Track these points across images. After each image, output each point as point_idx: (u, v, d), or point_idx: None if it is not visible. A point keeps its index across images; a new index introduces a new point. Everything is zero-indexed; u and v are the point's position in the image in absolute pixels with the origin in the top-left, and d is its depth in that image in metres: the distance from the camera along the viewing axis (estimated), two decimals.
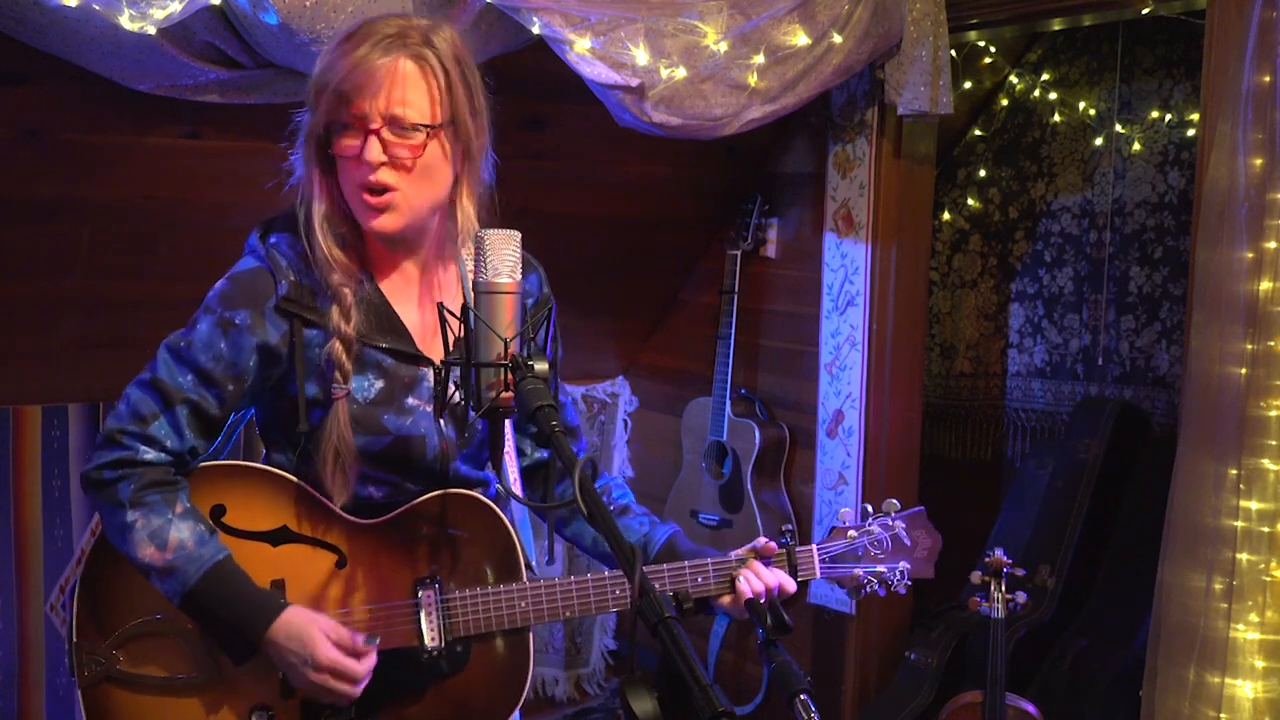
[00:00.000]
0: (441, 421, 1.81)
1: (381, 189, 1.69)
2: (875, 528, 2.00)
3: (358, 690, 1.73)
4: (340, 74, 1.66)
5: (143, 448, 1.72)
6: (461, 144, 1.74)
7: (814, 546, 1.96)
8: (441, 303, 1.64)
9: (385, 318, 1.78)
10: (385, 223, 1.71)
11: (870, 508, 2.03)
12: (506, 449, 1.89)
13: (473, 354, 1.55)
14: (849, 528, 2.00)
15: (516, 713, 1.85)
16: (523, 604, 1.79)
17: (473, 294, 1.57)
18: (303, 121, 1.75)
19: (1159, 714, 2.57)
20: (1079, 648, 3.35)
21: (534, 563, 1.88)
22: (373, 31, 1.69)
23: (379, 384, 1.77)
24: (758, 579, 1.85)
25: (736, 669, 3.81)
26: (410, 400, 1.79)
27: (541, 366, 1.51)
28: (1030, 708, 2.87)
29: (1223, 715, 2.45)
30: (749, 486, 3.54)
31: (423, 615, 1.78)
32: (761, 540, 1.91)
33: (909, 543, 2.01)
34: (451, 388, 1.66)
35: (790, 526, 1.98)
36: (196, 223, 2.77)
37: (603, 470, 2.09)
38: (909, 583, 2.01)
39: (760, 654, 1.61)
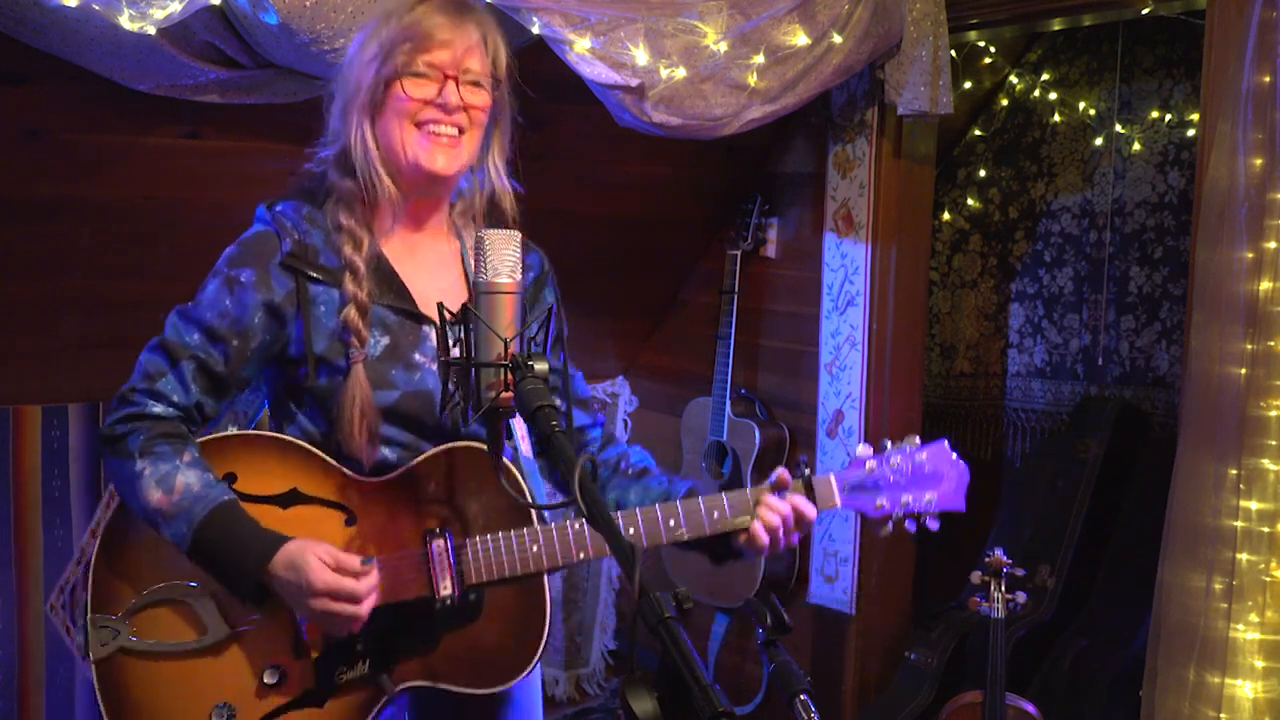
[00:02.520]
0: (450, 384, 1.82)
1: (455, 129, 1.81)
2: (896, 457, 1.89)
3: (362, 610, 1.72)
4: (419, 27, 1.78)
5: (150, 402, 1.77)
6: (503, 108, 1.89)
7: (832, 475, 1.89)
8: (441, 303, 1.65)
9: (388, 277, 1.85)
10: (444, 163, 1.81)
11: (889, 441, 1.93)
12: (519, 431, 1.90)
13: (473, 354, 1.55)
14: (868, 458, 1.90)
15: (539, 664, 1.83)
16: (534, 548, 1.78)
17: (473, 288, 1.58)
18: (339, 84, 1.86)
19: (1159, 714, 2.57)
20: (1079, 648, 3.35)
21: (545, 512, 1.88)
22: None
23: (384, 340, 1.83)
24: (772, 510, 1.83)
25: (736, 669, 3.81)
26: (416, 356, 1.84)
27: (541, 366, 1.51)
28: (1030, 708, 2.87)
29: (1223, 715, 2.45)
30: (749, 486, 3.54)
31: (435, 565, 1.78)
32: (777, 471, 1.87)
33: (933, 472, 1.89)
34: (451, 387, 1.66)
35: (805, 458, 1.92)
36: (196, 223, 2.77)
37: (620, 438, 2.07)
38: (939, 518, 1.89)
39: (760, 654, 1.59)
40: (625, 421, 4.17)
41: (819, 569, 3.49)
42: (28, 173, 2.50)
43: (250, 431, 1.89)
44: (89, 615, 1.81)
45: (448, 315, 1.63)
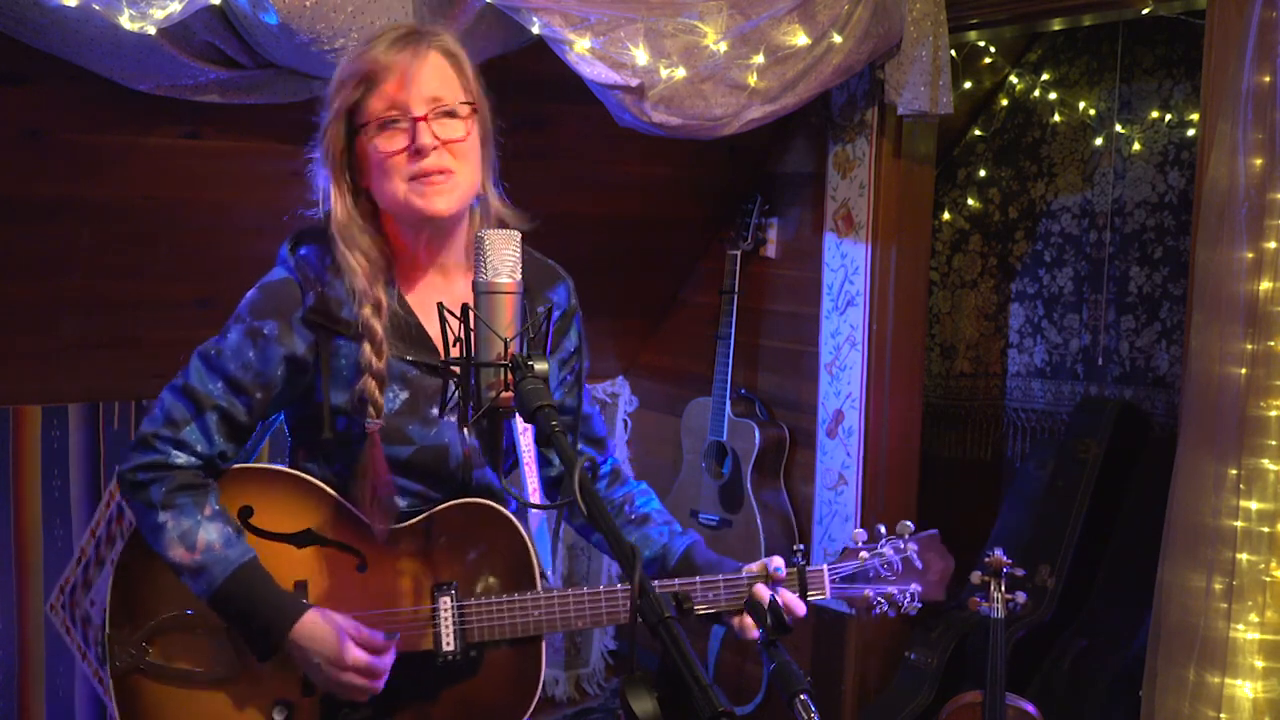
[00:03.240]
0: (466, 431, 1.83)
1: (440, 171, 1.73)
2: (887, 549, 1.98)
3: (379, 686, 1.76)
4: (372, 72, 1.71)
5: (174, 452, 1.77)
6: (483, 128, 1.80)
7: (825, 567, 1.95)
8: (441, 303, 1.64)
9: (410, 330, 1.82)
10: (444, 204, 1.74)
11: (884, 529, 2.01)
12: (527, 459, 1.91)
13: (473, 354, 1.56)
14: (860, 548, 1.98)
15: (527, 718, 1.88)
16: (536, 613, 1.82)
17: (472, 287, 1.58)
18: (319, 140, 1.78)
19: (1159, 714, 2.57)
20: (1079, 648, 3.35)
21: (549, 573, 1.91)
22: (385, 34, 1.75)
23: (404, 395, 1.81)
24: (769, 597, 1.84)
25: (736, 669, 3.81)
26: (434, 410, 1.82)
27: (541, 366, 1.51)
28: (1030, 708, 2.87)
29: (1223, 715, 2.45)
30: (749, 486, 3.54)
31: (440, 621, 1.80)
32: (774, 562, 1.89)
33: (920, 565, 1.98)
34: (453, 388, 1.66)
35: (801, 547, 1.98)
36: (196, 223, 2.77)
37: (628, 476, 2.10)
38: (919, 605, 1.99)
39: (760, 654, 1.60)
40: (625, 421, 4.17)
41: None
42: (28, 173, 2.50)
43: (271, 466, 1.89)
44: (107, 630, 1.83)
45: (448, 315, 1.63)
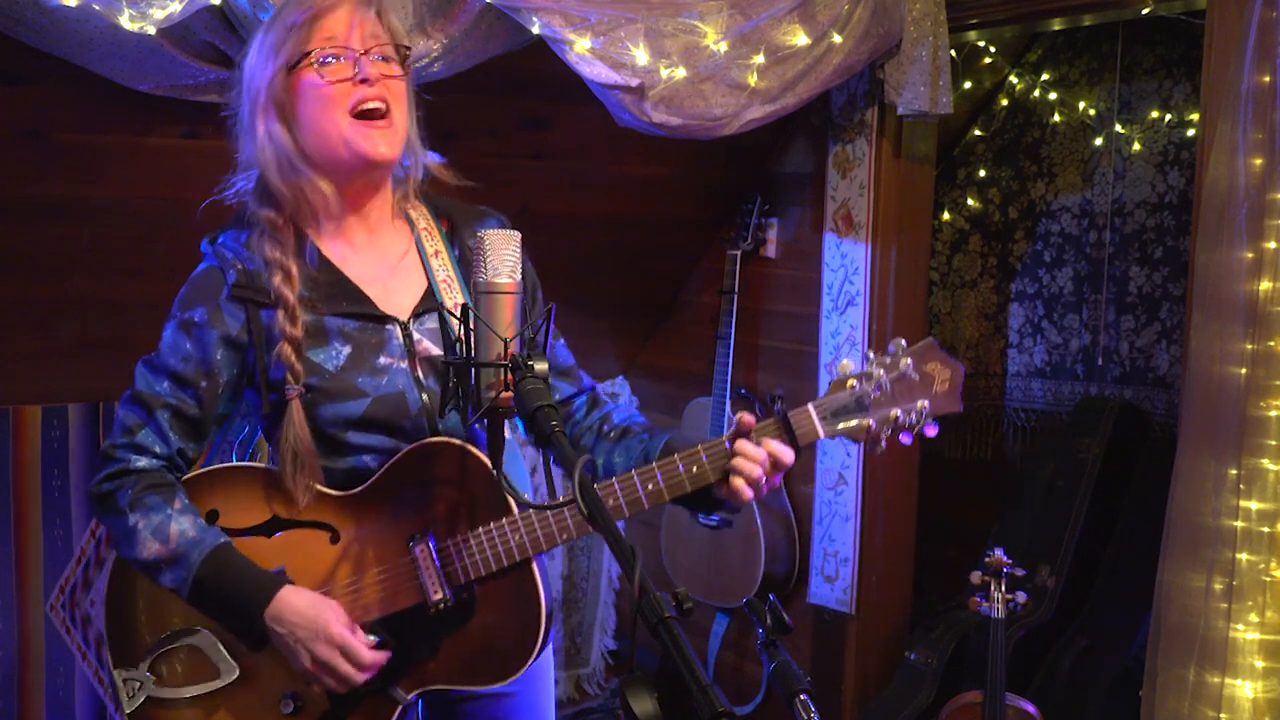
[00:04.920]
0: (419, 375, 1.81)
1: (382, 111, 1.73)
2: (878, 371, 1.75)
3: (360, 678, 1.74)
4: (316, 14, 1.72)
5: (134, 456, 1.78)
6: (409, 79, 1.81)
7: (810, 406, 1.77)
8: (442, 303, 1.64)
9: (337, 285, 1.80)
10: (387, 148, 1.75)
11: (873, 353, 1.79)
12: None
13: (473, 354, 1.55)
14: (849, 376, 1.77)
15: (550, 649, 1.83)
16: (516, 536, 1.76)
17: (472, 287, 1.57)
18: (241, 101, 1.81)
19: (1159, 714, 2.57)
20: (1079, 648, 3.35)
21: (528, 494, 1.86)
22: None
23: (345, 349, 1.79)
24: (748, 460, 1.73)
25: (736, 669, 3.81)
26: (382, 359, 1.80)
27: (541, 366, 1.51)
28: (1030, 708, 2.87)
29: (1223, 715, 2.45)
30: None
31: (422, 571, 1.77)
32: (740, 416, 1.75)
33: (919, 378, 1.76)
34: (451, 384, 1.66)
35: (780, 392, 1.83)
36: (196, 223, 2.77)
37: (604, 399, 2.00)
38: (935, 423, 1.77)
39: (760, 654, 1.59)
40: None
41: (819, 569, 3.50)
42: (28, 173, 2.50)
43: (225, 465, 1.89)
44: (113, 671, 1.84)
45: (452, 316, 1.63)
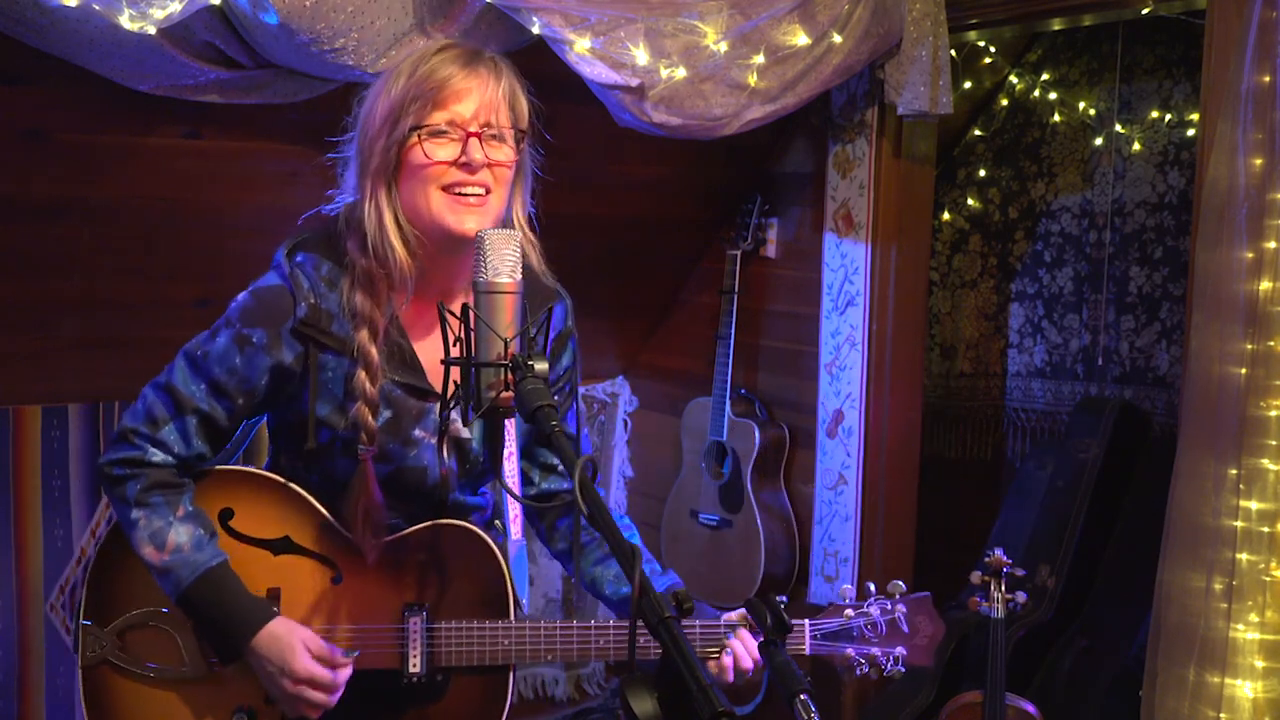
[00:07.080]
0: (444, 453, 1.84)
1: (482, 189, 1.73)
2: (873, 610, 1.93)
3: (332, 701, 1.76)
4: (434, 79, 1.70)
5: (151, 449, 1.77)
6: (524, 160, 1.82)
7: (806, 622, 1.92)
8: (441, 302, 1.64)
9: (399, 351, 1.81)
10: (477, 224, 1.72)
11: (873, 587, 1.96)
12: (509, 470, 1.90)
13: (473, 354, 1.55)
14: (847, 605, 1.94)
15: None
16: (505, 642, 1.82)
17: (472, 287, 1.57)
18: (354, 145, 1.78)
19: (1159, 714, 2.57)
20: (1079, 648, 3.35)
21: (524, 602, 1.90)
22: (451, 47, 1.76)
23: (386, 414, 1.80)
24: (745, 654, 1.87)
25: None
26: (417, 431, 1.82)
27: (541, 366, 1.51)
28: (1030, 708, 2.87)
29: (1223, 715, 2.45)
30: (749, 486, 3.54)
31: (409, 641, 1.80)
32: (745, 613, 1.86)
33: (908, 629, 1.93)
34: (451, 388, 1.66)
35: (784, 599, 1.96)
36: (196, 223, 2.77)
37: (610, 507, 2.08)
38: (903, 669, 1.93)
39: (760, 654, 1.61)
40: (625, 421, 4.17)
41: (819, 569, 3.49)
42: (28, 173, 2.50)
43: (256, 470, 1.89)
44: (79, 619, 1.83)
45: (452, 315, 1.62)
